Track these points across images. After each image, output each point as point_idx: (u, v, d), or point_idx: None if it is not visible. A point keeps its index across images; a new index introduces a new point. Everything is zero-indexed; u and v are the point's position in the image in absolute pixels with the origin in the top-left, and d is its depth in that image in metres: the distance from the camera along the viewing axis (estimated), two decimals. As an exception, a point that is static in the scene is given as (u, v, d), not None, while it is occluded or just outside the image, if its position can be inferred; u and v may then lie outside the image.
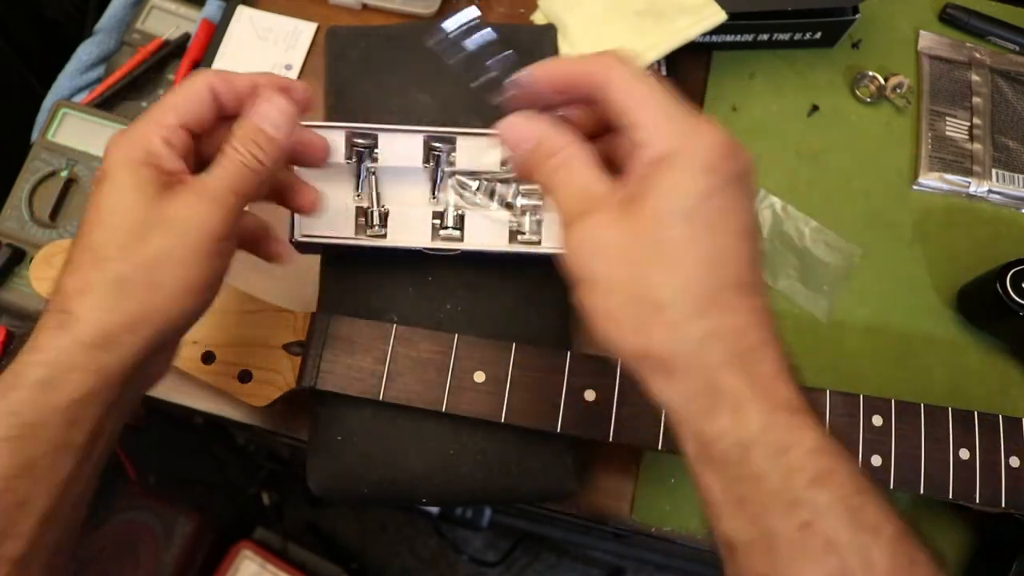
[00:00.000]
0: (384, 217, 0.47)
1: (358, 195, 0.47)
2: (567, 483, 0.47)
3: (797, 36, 0.63)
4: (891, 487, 0.44)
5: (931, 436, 0.45)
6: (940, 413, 0.45)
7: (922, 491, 0.44)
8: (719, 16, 0.56)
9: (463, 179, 0.48)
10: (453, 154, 0.47)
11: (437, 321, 0.48)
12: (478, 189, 0.48)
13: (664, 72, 0.58)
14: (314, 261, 0.54)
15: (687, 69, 0.62)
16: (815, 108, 0.63)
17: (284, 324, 0.46)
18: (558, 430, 0.43)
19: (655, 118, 0.29)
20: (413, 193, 0.48)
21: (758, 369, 0.27)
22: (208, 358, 0.45)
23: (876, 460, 0.44)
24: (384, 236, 0.47)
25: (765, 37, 0.62)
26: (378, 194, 0.47)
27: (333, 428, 0.46)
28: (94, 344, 0.30)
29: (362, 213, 0.47)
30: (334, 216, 0.47)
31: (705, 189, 0.28)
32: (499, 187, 0.48)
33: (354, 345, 0.45)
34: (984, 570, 0.50)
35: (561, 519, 0.99)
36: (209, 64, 0.60)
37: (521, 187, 0.48)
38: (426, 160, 0.47)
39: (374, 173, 0.47)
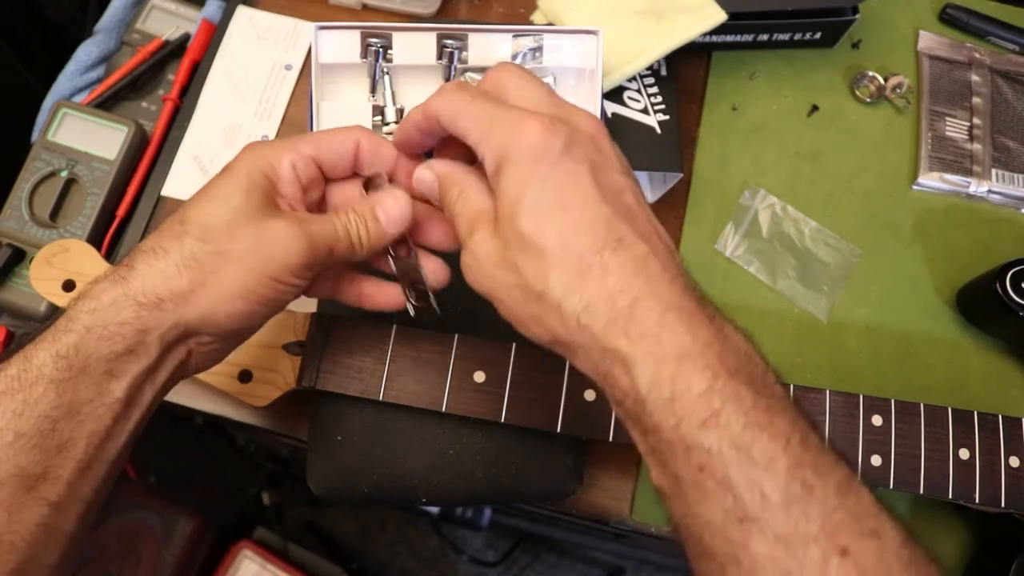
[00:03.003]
0: (400, 113, 0.48)
1: (373, 95, 0.48)
2: (567, 483, 0.47)
3: (797, 36, 0.63)
4: (891, 487, 0.44)
5: (931, 436, 0.45)
6: (940, 413, 0.45)
7: (922, 491, 0.44)
8: (719, 16, 0.56)
9: (475, 75, 0.49)
10: (465, 52, 0.48)
11: (437, 321, 0.48)
12: None
13: (664, 72, 0.58)
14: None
15: (687, 69, 0.62)
16: (815, 108, 0.63)
17: (284, 324, 0.46)
18: (558, 430, 0.43)
19: (481, 133, 0.32)
20: (427, 91, 0.49)
21: (637, 327, 0.28)
22: (208, 358, 0.45)
23: (876, 460, 0.44)
24: None
25: (765, 37, 0.62)
26: (393, 92, 0.48)
27: (333, 428, 0.46)
28: (140, 301, 0.31)
29: (378, 111, 0.48)
30: (351, 115, 0.48)
31: (538, 175, 0.29)
32: None
33: (354, 345, 0.45)
34: (984, 570, 0.50)
35: (561, 519, 1.00)
36: (209, 64, 0.60)
37: None
38: (439, 56, 0.48)
39: (388, 72, 0.48)
